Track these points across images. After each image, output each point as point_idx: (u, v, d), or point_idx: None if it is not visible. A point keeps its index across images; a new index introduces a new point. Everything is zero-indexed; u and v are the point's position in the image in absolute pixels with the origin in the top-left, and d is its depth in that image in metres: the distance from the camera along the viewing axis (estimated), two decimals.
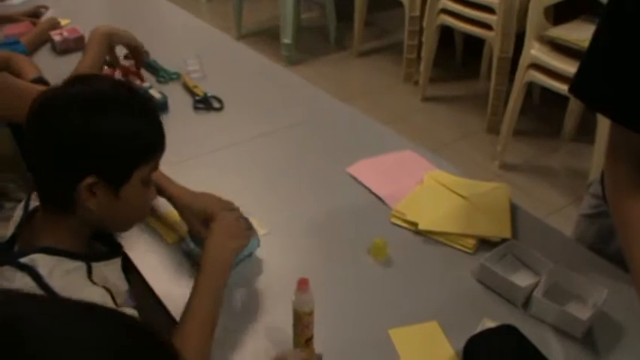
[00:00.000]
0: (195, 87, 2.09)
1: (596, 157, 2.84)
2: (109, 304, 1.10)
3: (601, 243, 1.47)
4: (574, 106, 3.46)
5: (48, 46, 2.40)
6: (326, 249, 1.49)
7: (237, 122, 1.98)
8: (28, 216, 1.23)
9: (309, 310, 1.14)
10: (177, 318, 1.22)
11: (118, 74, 2.11)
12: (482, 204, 1.56)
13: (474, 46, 4.00)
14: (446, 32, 3.82)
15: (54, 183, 1.15)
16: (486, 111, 3.64)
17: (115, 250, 1.30)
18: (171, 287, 1.36)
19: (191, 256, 1.43)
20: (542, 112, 3.75)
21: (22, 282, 1.07)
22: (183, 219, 1.45)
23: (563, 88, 2.89)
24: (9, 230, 1.23)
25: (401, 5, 4.00)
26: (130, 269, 1.38)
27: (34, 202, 1.23)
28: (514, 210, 1.56)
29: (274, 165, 1.78)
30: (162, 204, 1.52)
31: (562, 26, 3.02)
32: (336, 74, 4.34)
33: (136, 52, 2.05)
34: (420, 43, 3.93)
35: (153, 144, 1.19)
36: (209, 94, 2.06)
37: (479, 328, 1.23)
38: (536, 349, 1.16)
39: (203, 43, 2.51)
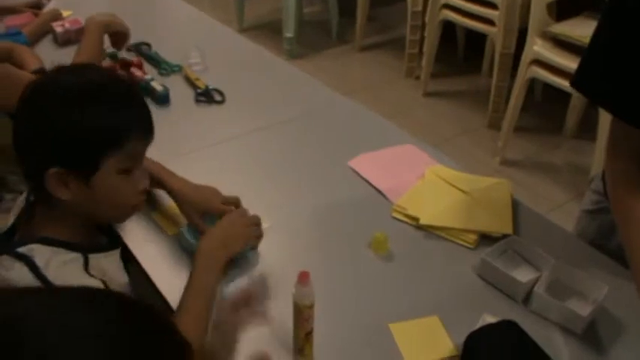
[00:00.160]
0: (197, 79, 2.09)
1: (598, 154, 2.83)
2: None
3: (602, 239, 1.47)
4: (576, 102, 3.46)
5: (49, 37, 2.39)
6: (327, 243, 1.49)
7: (238, 115, 1.97)
8: (29, 207, 1.23)
9: (310, 304, 1.14)
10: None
11: (118, 67, 2.12)
12: (483, 199, 1.56)
13: (476, 41, 3.99)
14: (448, 27, 3.81)
15: (27, 172, 1.17)
16: (488, 107, 3.64)
17: (114, 242, 1.30)
18: (171, 278, 1.35)
19: (187, 250, 1.42)
20: (543, 108, 3.75)
21: (19, 272, 1.08)
22: (182, 212, 1.45)
23: (565, 84, 2.88)
24: (9, 221, 1.23)
25: (403, 0, 4.00)
26: (129, 260, 1.39)
27: None
28: (515, 205, 1.56)
29: (275, 158, 1.77)
30: (164, 196, 1.52)
31: (565, 22, 3.02)
32: (337, 68, 4.33)
33: (121, 38, 2.11)
34: (422, 38, 3.92)
35: (119, 133, 1.14)
36: (211, 87, 2.05)
37: (479, 324, 1.23)
38: (536, 345, 1.15)
39: (205, 35, 2.50)
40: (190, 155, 1.76)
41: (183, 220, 1.46)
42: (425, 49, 3.86)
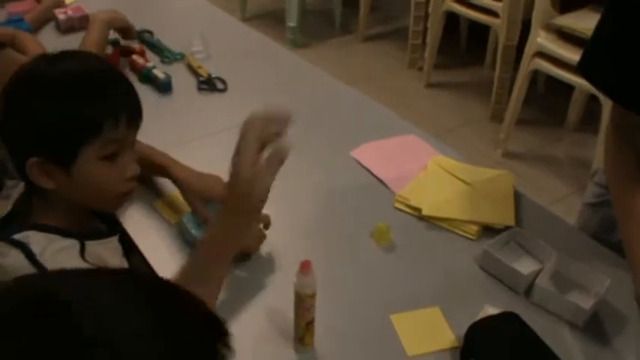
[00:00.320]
0: (200, 67, 2.08)
1: (600, 147, 2.82)
2: None
3: (604, 232, 1.47)
4: (578, 95, 3.45)
5: (52, 24, 2.38)
6: (328, 232, 1.49)
7: (240, 104, 1.95)
8: (26, 194, 1.23)
9: (311, 293, 1.14)
10: None
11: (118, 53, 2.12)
12: (486, 191, 1.56)
13: (479, 33, 3.98)
14: (451, 19, 3.79)
15: (15, 162, 1.18)
16: (490, 99, 3.63)
17: (112, 229, 1.30)
18: (173, 267, 1.34)
19: (188, 240, 1.42)
20: (546, 101, 3.74)
21: (15, 258, 1.08)
22: (186, 200, 1.44)
23: (568, 76, 2.88)
24: (7, 208, 1.23)
25: None
26: (131, 250, 1.38)
27: None
28: (518, 197, 1.56)
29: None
30: (166, 185, 1.51)
31: (569, 14, 3.00)
32: (340, 58, 4.32)
33: (127, 32, 2.13)
34: (425, 29, 3.90)
35: (93, 121, 1.12)
36: (213, 75, 2.05)
37: (480, 315, 1.23)
38: (537, 337, 1.16)
39: (208, 24, 2.49)
40: (192, 143, 1.75)
41: (186, 209, 1.46)
42: (428, 40, 3.85)
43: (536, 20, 3.01)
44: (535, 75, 3.30)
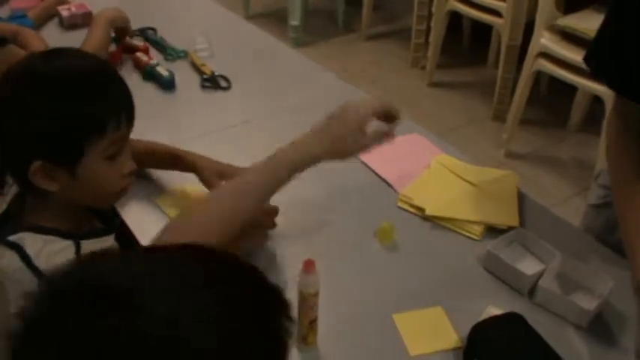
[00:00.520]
0: (203, 65, 2.08)
1: (603, 148, 2.81)
2: None
3: (608, 234, 1.47)
4: (581, 97, 3.44)
5: (55, 21, 2.38)
6: (332, 231, 1.49)
7: (244, 102, 1.97)
8: (20, 194, 1.21)
9: (314, 292, 1.14)
10: None
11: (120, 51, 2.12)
12: (489, 191, 1.55)
13: (482, 32, 3.97)
14: (454, 18, 3.79)
15: (10, 165, 1.16)
16: (493, 99, 3.62)
17: (108, 228, 1.29)
18: None
19: None
20: (549, 102, 3.73)
21: (10, 260, 1.07)
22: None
23: (572, 77, 2.88)
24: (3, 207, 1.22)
25: None
26: (132, 246, 1.38)
27: None
28: (521, 198, 1.56)
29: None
30: (167, 181, 1.51)
31: (572, 15, 3.00)
32: (343, 57, 4.31)
33: (124, 32, 2.13)
34: (429, 29, 3.90)
35: (96, 119, 1.11)
36: (216, 73, 2.04)
37: (483, 315, 1.23)
38: (541, 338, 1.15)
39: (211, 22, 2.49)
40: (195, 141, 1.74)
41: (186, 204, 1.45)
42: (431, 39, 3.84)
43: (540, 21, 3.00)
44: (538, 75, 3.29)
